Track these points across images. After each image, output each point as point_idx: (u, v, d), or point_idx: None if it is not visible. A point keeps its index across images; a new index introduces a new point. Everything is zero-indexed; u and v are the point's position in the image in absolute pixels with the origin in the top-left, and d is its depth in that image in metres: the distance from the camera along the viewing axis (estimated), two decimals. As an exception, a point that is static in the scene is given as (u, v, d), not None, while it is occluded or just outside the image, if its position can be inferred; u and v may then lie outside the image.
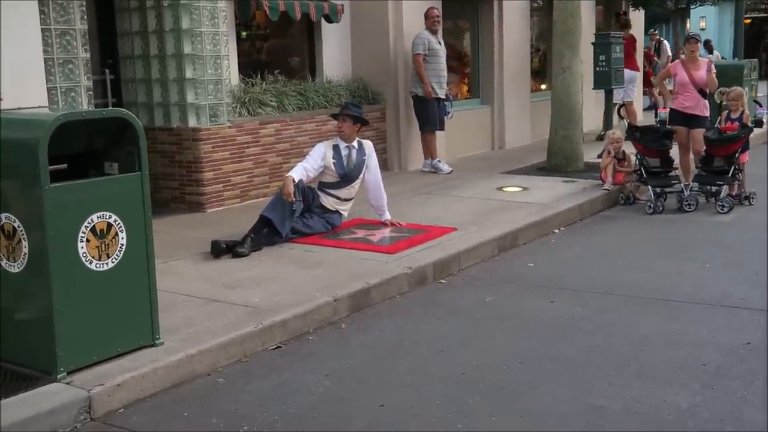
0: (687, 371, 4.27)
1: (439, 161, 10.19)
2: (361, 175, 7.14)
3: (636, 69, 13.43)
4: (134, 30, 8.30)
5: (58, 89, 6.76)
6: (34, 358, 4.09)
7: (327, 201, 7.05)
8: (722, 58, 22.66)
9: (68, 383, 3.96)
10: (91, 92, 7.07)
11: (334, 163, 7.02)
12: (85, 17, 6.95)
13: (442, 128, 10.33)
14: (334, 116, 7.33)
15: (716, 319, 5.11)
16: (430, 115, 10.09)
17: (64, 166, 4.27)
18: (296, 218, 6.72)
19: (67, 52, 6.80)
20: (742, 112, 8.53)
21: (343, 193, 7.09)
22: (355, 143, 7.16)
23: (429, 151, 10.23)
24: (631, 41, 13.21)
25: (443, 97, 10.18)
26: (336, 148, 7.10)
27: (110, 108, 7.57)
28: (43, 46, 6.61)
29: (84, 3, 6.92)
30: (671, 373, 4.25)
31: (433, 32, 10.07)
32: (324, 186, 7.09)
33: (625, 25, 13.43)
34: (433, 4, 10.33)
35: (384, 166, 9.62)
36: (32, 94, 6.27)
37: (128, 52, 8.42)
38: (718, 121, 8.82)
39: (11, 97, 6.00)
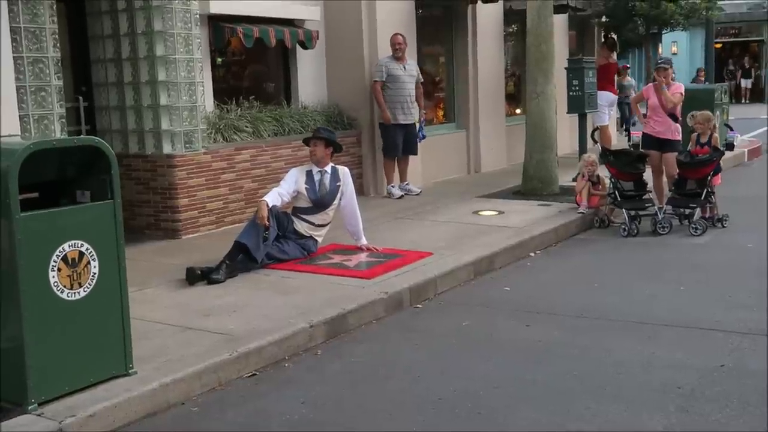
0: (662, 394, 4.28)
1: (392, 186, 10.25)
2: (335, 202, 7.14)
3: (614, 92, 13.58)
4: (108, 57, 8.28)
5: (30, 117, 6.71)
6: (5, 389, 4.02)
7: (301, 227, 7.03)
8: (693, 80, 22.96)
9: (39, 415, 3.90)
10: (64, 119, 7.03)
11: (306, 188, 7.01)
12: (58, 45, 6.92)
13: (413, 152, 10.40)
14: (306, 142, 7.32)
15: (691, 341, 5.13)
16: (387, 141, 10.19)
17: (36, 194, 4.23)
18: (272, 244, 6.70)
19: (40, 80, 6.77)
20: (711, 135, 8.63)
21: (316, 218, 7.08)
22: (328, 168, 7.15)
23: (387, 176, 10.30)
24: (613, 66, 13.39)
25: (408, 122, 10.21)
26: (309, 173, 7.09)
27: (82, 136, 7.52)
28: (15, 74, 6.57)
29: (56, 31, 6.89)
30: (647, 397, 4.26)
31: (396, 59, 10.11)
32: (298, 211, 7.08)
33: (613, 46, 13.62)
34: (406, 31, 10.40)
35: (360, 190, 9.65)
36: (4, 122, 6.22)
37: (102, 79, 8.39)
38: (689, 144, 8.93)
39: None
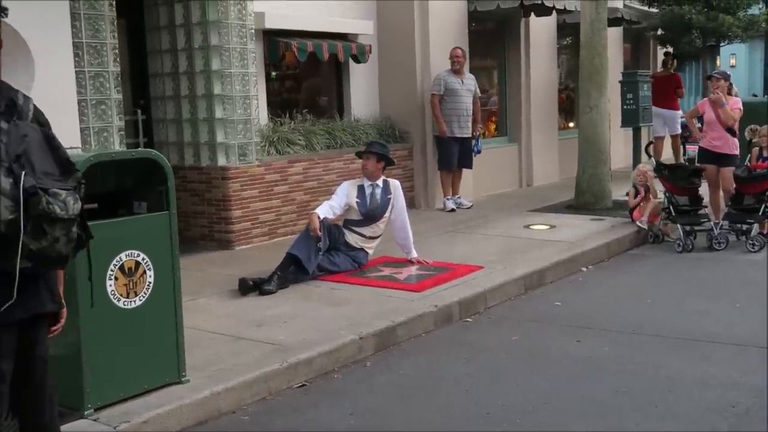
0: (715, 413, 4.21)
1: (447, 199, 10.28)
2: (386, 215, 7.17)
3: (676, 108, 13.31)
4: (165, 71, 8.47)
5: (90, 129, 6.90)
6: (62, 394, 4.10)
7: (352, 238, 7.08)
8: (754, 95, 22.51)
9: (95, 420, 4.00)
10: (123, 132, 7.21)
11: (357, 202, 7.07)
12: (118, 60, 7.11)
13: (467, 166, 10.43)
14: (359, 155, 7.40)
15: (746, 359, 5.04)
16: (443, 154, 10.25)
17: (95, 205, 4.34)
18: (322, 256, 6.76)
19: (100, 94, 6.96)
20: (774, 150, 8.49)
21: (367, 231, 7.12)
22: (379, 182, 7.20)
23: (443, 189, 10.32)
24: (674, 79, 13.19)
25: (464, 136, 10.24)
26: (361, 187, 7.15)
27: (139, 149, 7.70)
28: (77, 88, 6.77)
29: (117, 46, 7.09)
30: (699, 415, 4.19)
31: (454, 72, 10.16)
32: (349, 223, 7.14)
33: (666, 63, 13.49)
34: (459, 44, 10.42)
35: (411, 203, 9.68)
36: (65, 134, 6.37)
37: (160, 92, 8.58)
38: (748, 158, 8.77)
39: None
